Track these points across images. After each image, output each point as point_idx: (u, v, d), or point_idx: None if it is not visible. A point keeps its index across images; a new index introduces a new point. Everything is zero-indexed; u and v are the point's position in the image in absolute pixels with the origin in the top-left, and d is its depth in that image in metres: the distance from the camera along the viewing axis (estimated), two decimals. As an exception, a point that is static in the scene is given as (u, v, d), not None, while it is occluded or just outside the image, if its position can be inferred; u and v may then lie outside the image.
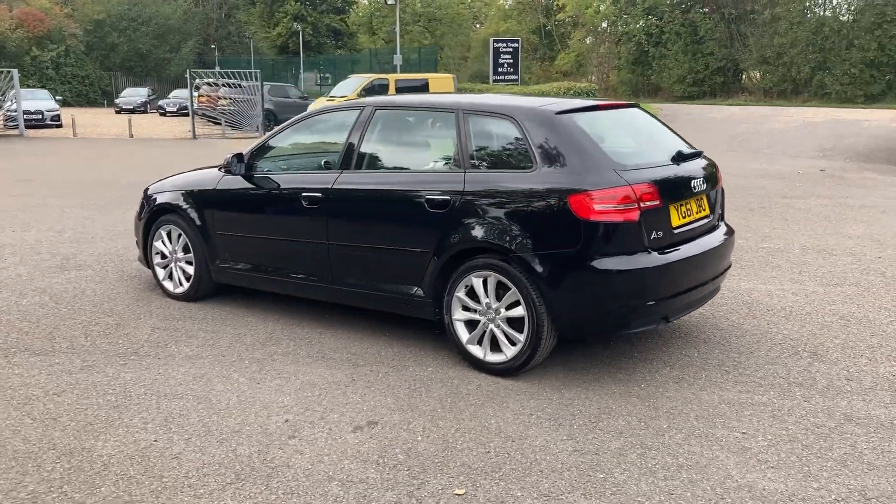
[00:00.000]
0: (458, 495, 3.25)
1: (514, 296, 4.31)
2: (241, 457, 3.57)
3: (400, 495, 3.25)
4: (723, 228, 4.94)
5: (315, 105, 25.06)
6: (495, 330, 4.43)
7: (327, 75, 49.01)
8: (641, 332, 4.62)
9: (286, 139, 5.53)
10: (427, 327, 5.12)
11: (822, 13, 34.23)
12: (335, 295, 5.15)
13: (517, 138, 4.44)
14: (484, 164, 4.56)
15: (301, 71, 50.10)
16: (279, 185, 5.30)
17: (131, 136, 25.08)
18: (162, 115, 38.05)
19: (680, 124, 20.61)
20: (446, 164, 4.70)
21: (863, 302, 5.88)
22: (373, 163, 4.99)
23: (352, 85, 24.90)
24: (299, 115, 5.51)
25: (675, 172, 4.48)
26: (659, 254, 4.24)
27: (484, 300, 4.44)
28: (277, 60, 53.94)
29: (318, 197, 5.03)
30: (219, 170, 5.80)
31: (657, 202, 4.25)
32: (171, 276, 6.05)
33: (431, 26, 56.07)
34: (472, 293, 4.51)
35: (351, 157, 5.00)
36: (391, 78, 25.10)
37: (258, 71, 27.36)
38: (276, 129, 5.55)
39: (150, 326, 5.39)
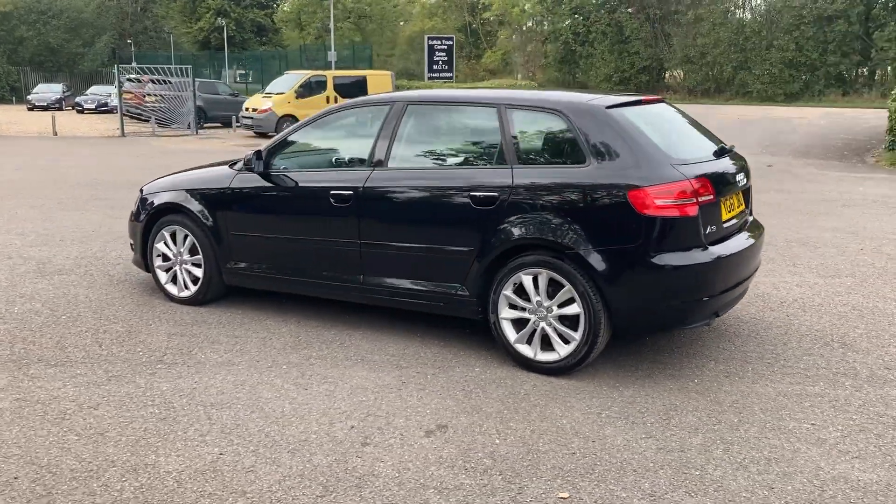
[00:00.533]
0: (563, 499, 3.17)
1: (569, 293, 4.25)
2: (320, 467, 3.41)
3: (503, 501, 3.15)
4: (755, 223, 5.00)
5: (251, 102, 24.47)
6: (547, 328, 4.36)
7: (244, 71, 47.98)
8: (693, 328, 4.62)
9: (307, 136, 5.34)
10: (455, 326, 5.03)
11: (742, 14, 35.41)
12: (366, 296, 4.99)
13: (567, 133, 4.39)
14: (532, 159, 4.49)
15: (225, 67, 48.93)
16: (303, 184, 5.09)
17: (55, 133, 23.98)
18: (79, 112, 36.55)
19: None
20: (490, 159, 4.60)
21: (866, 293, 6.05)
22: (407, 159, 4.86)
23: (288, 82, 24.41)
24: (321, 111, 5.32)
25: (720, 167, 4.50)
26: (713, 249, 4.25)
27: (535, 298, 4.37)
28: (199, 56, 52.52)
29: (348, 195, 4.86)
30: (230, 167, 5.56)
31: (711, 196, 4.26)
32: (174, 280, 5.75)
33: (361, 23, 55.60)
34: (519, 291, 4.42)
35: (383, 154, 4.85)
36: (329, 75, 24.76)
37: (189, 67, 26.52)
38: (295, 125, 5.34)
39: (165, 333, 5.12)
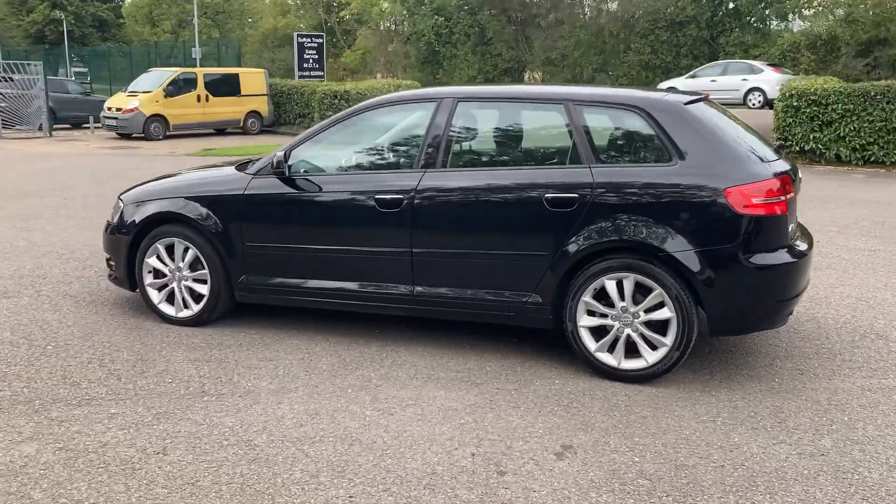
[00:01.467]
0: (753, 517, 2.99)
1: (659, 297, 4.09)
2: (471, 503, 3.06)
3: (693, 525, 2.93)
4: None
5: (114, 101, 22.81)
6: (633, 335, 4.18)
7: (83, 69, 44.76)
8: (770, 330, 4.56)
9: (333, 136, 4.86)
10: (493, 335, 4.78)
11: (601, 18, 36.75)
12: (417, 308, 4.62)
13: (647, 130, 4.22)
14: (612, 158, 4.28)
15: (67, 65, 45.46)
16: (340, 188, 4.65)
17: None
18: None
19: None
20: (562, 159, 4.35)
21: (859, 283, 6.27)
22: (463, 160, 4.54)
23: (154, 79, 22.98)
24: (348, 110, 4.87)
25: (787, 165, 4.48)
26: (797, 247, 4.22)
27: (619, 304, 4.17)
28: (32, 51, 48.56)
29: (397, 199, 4.47)
30: (236, 169, 5.02)
31: (793, 194, 4.22)
32: (169, 299, 5.13)
33: (220, 19, 53.26)
34: (598, 296, 4.21)
35: (435, 155, 4.49)
36: (198, 72, 23.53)
37: (39, 63, 24.39)
38: (318, 125, 4.87)
39: (185, 359, 4.54)
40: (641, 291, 4.15)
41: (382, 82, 23.97)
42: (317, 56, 30.05)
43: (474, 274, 4.43)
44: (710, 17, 33.51)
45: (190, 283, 5.06)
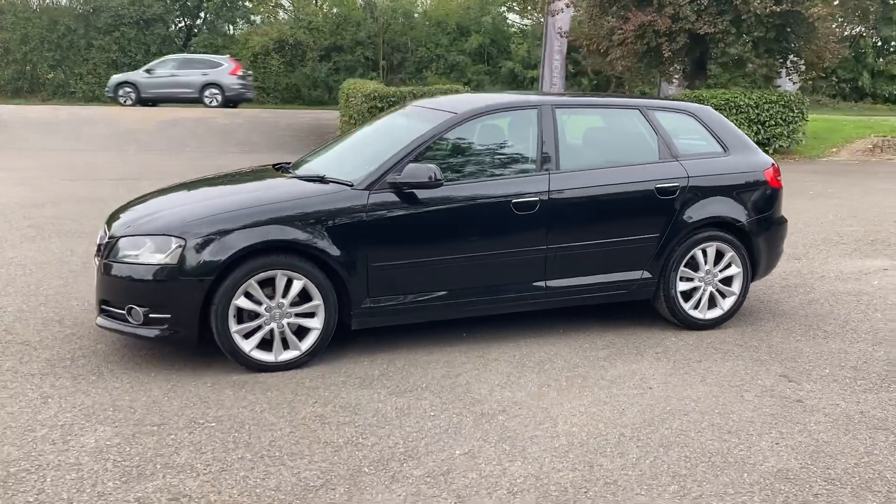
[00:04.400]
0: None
1: (729, 259, 5.34)
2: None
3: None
4: None
5: None
6: (714, 291, 5.36)
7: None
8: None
9: (443, 145, 4.83)
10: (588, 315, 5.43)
11: (53, 12, 33.63)
12: (548, 301, 5.00)
13: (702, 130, 5.40)
14: (689, 153, 5.33)
15: None
16: (476, 195, 4.74)
17: None
18: None
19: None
20: (652, 156, 5.23)
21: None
22: (575, 160, 5.05)
23: None
24: (451, 119, 4.86)
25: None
26: None
27: (704, 267, 5.31)
28: None
29: (533, 202, 4.82)
30: (320, 183, 4.64)
31: (776, 173, 5.85)
32: (264, 343, 4.48)
33: None
34: (689, 265, 5.28)
35: (552, 157, 4.95)
36: None
37: None
38: (422, 136, 4.76)
39: (394, 410, 4.22)
40: (718, 257, 5.31)
41: None
42: None
43: (596, 261, 5.03)
44: (178, 17, 33.59)
45: (294, 320, 4.48)
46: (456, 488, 3.25)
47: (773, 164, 5.50)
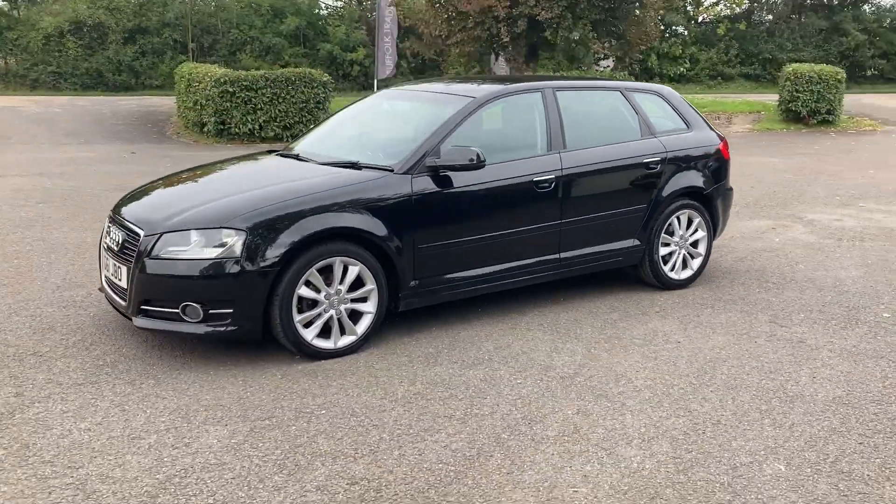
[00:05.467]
0: None
1: (698, 224, 5.99)
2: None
3: None
4: None
5: None
6: (686, 254, 6.00)
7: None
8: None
9: (469, 129, 5.01)
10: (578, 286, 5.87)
11: None
12: (560, 272, 5.35)
13: (668, 109, 5.99)
14: (662, 131, 5.88)
15: None
16: (498, 177, 4.97)
17: None
18: None
19: None
20: (636, 133, 5.71)
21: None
22: (578, 140, 5.40)
23: None
24: (470, 103, 5.03)
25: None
26: None
27: (678, 233, 5.92)
28: None
29: (550, 179, 5.16)
30: (371, 171, 4.73)
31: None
32: (323, 331, 4.51)
33: None
34: (667, 231, 5.87)
35: (559, 138, 5.30)
36: None
37: None
38: (447, 120, 4.91)
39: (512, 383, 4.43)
40: (688, 223, 5.93)
41: None
42: None
43: (599, 233, 5.46)
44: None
45: (350, 306, 4.55)
46: (596, 441, 3.54)
47: (723, 139, 6.18)
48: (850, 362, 4.56)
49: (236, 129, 15.65)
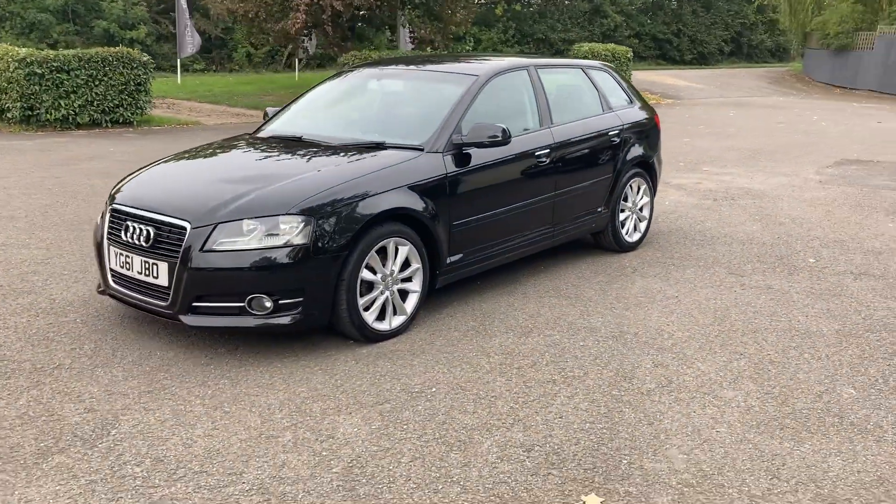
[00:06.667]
0: None
1: (645, 189, 6.57)
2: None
3: None
4: None
5: None
6: (635, 217, 6.57)
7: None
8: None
9: (479, 106, 5.11)
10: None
11: None
12: (554, 241, 5.66)
13: (615, 84, 6.48)
14: (616, 106, 6.34)
15: None
16: (509, 152, 5.18)
17: None
18: None
19: None
20: (597, 109, 6.13)
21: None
22: (559, 116, 5.64)
23: None
24: (476, 81, 5.12)
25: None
26: None
27: (631, 199, 6.47)
28: None
29: (547, 153, 5.45)
30: (402, 151, 4.73)
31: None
32: (380, 314, 4.52)
33: None
34: (623, 198, 6.39)
35: (547, 115, 5.57)
36: None
37: None
38: (458, 98, 4.98)
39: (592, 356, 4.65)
40: (638, 189, 6.49)
41: None
42: None
43: (579, 202, 5.82)
44: None
45: (400, 286, 4.59)
46: (695, 388, 3.90)
47: (655, 111, 6.78)
48: (821, 301, 5.28)
49: (47, 116, 14.24)
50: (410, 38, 20.30)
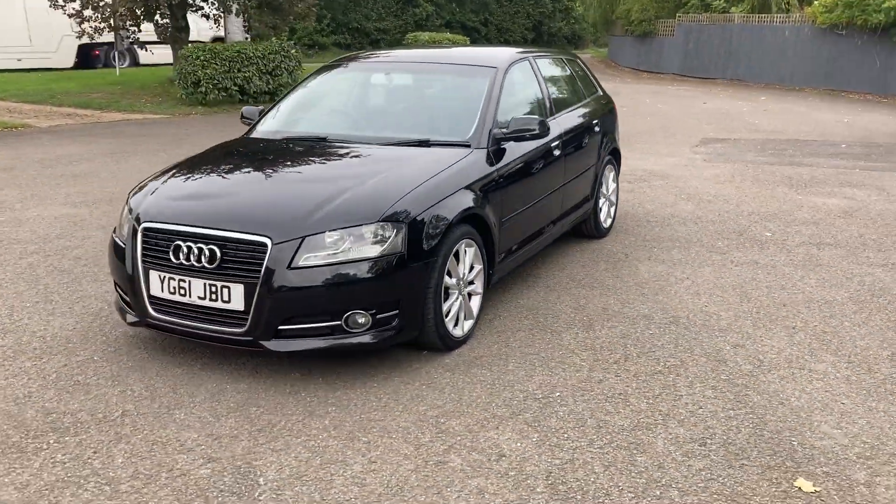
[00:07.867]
0: None
1: (613, 175, 6.74)
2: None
3: None
4: None
5: None
6: (608, 202, 6.72)
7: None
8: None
9: (505, 98, 4.99)
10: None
11: None
12: (560, 230, 5.68)
13: (586, 73, 6.59)
14: (590, 94, 6.44)
15: None
16: (539, 143, 5.08)
17: None
18: None
19: None
20: (580, 97, 6.19)
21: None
22: (557, 107, 5.68)
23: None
24: (495, 73, 4.95)
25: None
26: None
27: (605, 185, 6.61)
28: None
29: (557, 144, 5.41)
30: (447, 148, 4.54)
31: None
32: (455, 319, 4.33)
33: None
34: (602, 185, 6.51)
35: (551, 104, 5.56)
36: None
37: None
38: (489, 93, 4.79)
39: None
40: (611, 175, 6.64)
41: None
42: None
43: (575, 190, 5.87)
44: None
45: (469, 289, 4.44)
46: (784, 363, 4.06)
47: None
48: (810, 272, 5.66)
49: None
50: (245, 27, 19.49)
